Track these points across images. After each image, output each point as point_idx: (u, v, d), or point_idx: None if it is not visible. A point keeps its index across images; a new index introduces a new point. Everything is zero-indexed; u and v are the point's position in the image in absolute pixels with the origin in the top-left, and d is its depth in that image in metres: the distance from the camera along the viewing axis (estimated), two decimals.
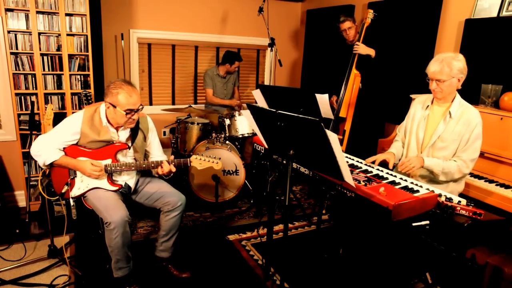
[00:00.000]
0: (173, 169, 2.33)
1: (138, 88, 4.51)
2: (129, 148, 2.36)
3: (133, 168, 2.34)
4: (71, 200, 2.31)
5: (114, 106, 2.17)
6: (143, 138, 2.45)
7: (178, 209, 2.40)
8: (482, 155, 2.50)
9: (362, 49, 3.32)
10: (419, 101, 2.43)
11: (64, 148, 2.28)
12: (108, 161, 2.30)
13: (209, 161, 2.36)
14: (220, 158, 2.39)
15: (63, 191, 2.27)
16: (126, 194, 2.44)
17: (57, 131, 2.27)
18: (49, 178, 2.39)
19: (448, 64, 2.08)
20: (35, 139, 3.24)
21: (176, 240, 2.51)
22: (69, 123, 2.28)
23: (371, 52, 3.34)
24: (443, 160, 2.18)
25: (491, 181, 2.56)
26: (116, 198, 2.29)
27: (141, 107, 2.24)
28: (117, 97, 2.15)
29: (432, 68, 2.14)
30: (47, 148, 2.22)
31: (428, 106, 2.31)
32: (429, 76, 2.17)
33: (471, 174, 2.63)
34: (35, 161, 3.37)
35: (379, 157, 2.32)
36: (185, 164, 2.35)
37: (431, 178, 2.25)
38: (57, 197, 2.36)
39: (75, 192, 2.30)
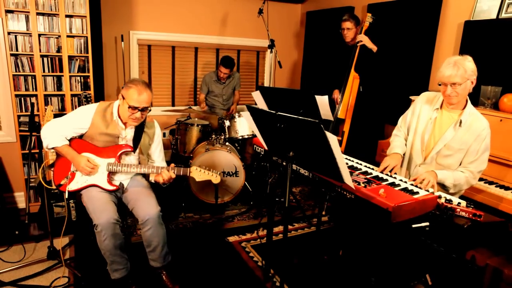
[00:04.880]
0: (173, 176, 2.33)
1: None
2: (134, 151, 2.39)
3: (133, 170, 2.36)
4: (66, 193, 2.31)
5: (123, 98, 2.25)
6: (148, 143, 2.49)
7: (148, 224, 2.29)
8: None
9: (366, 40, 3.33)
10: (426, 99, 2.32)
11: (72, 137, 2.33)
12: (111, 160, 2.33)
13: (208, 173, 2.38)
14: (219, 173, 2.41)
15: (61, 182, 2.30)
16: (118, 195, 2.45)
17: (70, 117, 2.33)
18: (51, 168, 2.43)
19: (462, 66, 2.00)
20: (35, 140, 3.26)
21: (165, 249, 2.42)
22: (82, 110, 2.34)
23: (374, 47, 3.35)
24: (452, 172, 2.13)
25: (491, 183, 2.56)
26: (107, 200, 2.29)
27: (148, 109, 2.28)
28: (128, 91, 2.23)
29: (448, 72, 2.02)
30: (55, 133, 2.27)
31: (436, 108, 2.23)
32: (444, 81, 2.05)
33: None
34: (35, 163, 3.40)
35: (391, 164, 2.21)
36: (184, 174, 2.37)
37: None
38: (55, 187, 2.37)
39: (72, 186, 2.32)
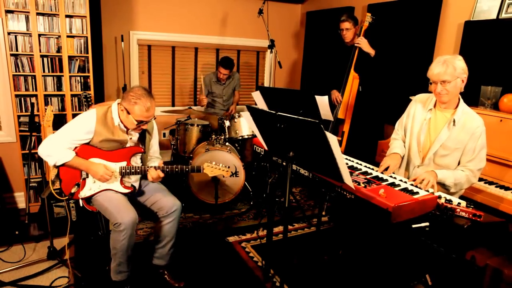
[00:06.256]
0: (161, 175, 2.32)
1: None
2: (144, 152, 2.39)
3: (145, 172, 2.34)
4: (80, 202, 2.30)
5: (128, 113, 2.19)
6: (149, 140, 2.48)
7: (173, 215, 2.36)
8: None
9: (364, 44, 3.33)
10: (419, 101, 2.35)
11: (76, 147, 2.25)
12: (123, 164, 2.31)
13: (219, 169, 2.41)
14: (229, 167, 2.44)
15: (72, 191, 2.26)
16: (132, 196, 2.44)
17: (69, 130, 2.22)
18: (59, 179, 2.37)
19: (452, 64, 2.03)
20: (35, 140, 3.26)
21: (173, 248, 2.46)
22: (82, 121, 2.23)
23: (371, 51, 3.35)
24: (452, 171, 2.14)
25: (491, 183, 2.56)
26: (126, 200, 2.30)
27: (153, 118, 2.29)
28: (134, 107, 2.16)
29: (436, 70, 2.06)
30: (58, 149, 2.18)
31: (430, 109, 2.25)
32: (433, 79, 2.09)
33: None
34: (35, 163, 3.40)
35: (391, 165, 2.23)
36: (197, 169, 2.40)
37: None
38: (67, 197, 2.32)
39: (85, 192, 2.29)
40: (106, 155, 2.29)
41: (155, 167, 2.31)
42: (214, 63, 4.95)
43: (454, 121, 2.13)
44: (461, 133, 2.12)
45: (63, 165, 2.21)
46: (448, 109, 2.19)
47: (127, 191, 2.34)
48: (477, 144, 2.10)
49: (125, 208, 2.20)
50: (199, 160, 3.50)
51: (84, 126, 2.22)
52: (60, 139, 2.20)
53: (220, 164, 2.43)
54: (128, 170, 2.30)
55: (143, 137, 2.42)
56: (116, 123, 2.28)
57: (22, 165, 3.37)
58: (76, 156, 2.23)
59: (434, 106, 2.25)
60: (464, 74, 2.06)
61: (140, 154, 2.43)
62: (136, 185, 2.45)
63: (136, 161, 2.42)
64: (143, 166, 2.35)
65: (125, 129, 2.32)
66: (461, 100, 2.17)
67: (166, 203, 2.37)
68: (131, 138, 2.35)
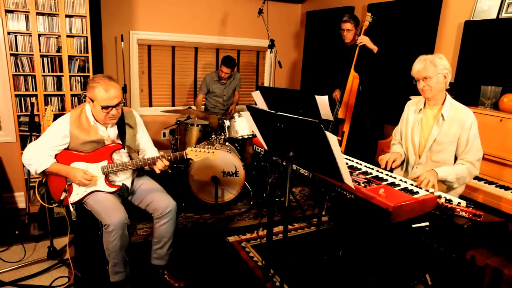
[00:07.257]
0: (166, 163, 2.28)
1: (138, 90, 4.54)
2: (123, 147, 2.33)
3: (129, 167, 2.30)
4: (70, 207, 2.28)
5: (92, 101, 2.14)
6: (133, 134, 2.41)
7: (168, 216, 2.34)
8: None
9: (366, 41, 3.32)
10: (411, 104, 2.43)
11: (56, 154, 2.24)
12: (104, 163, 2.28)
13: (204, 151, 2.31)
14: (216, 148, 2.34)
15: (61, 198, 2.25)
16: (124, 196, 2.42)
17: (46, 137, 2.21)
18: (46, 186, 2.36)
19: (432, 62, 2.11)
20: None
21: (171, 248, 2.44)
22: (57, 127, 2.22)
23: (374, 47, 3.35)
24: (452, 166, 2.16)
25: (490, 183, 2.56)
26: (115, 200, 2.28)
27: (121, 103, 2.20)
28: (94, 91, 2.11)
29: (417, 67, 2.17)
30: (38, 156, 2.17)
31: (420, 109, 2.32)
32: (416, 77, 2.19)
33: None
34: None
35: (390, 158, 2.28)
36: (181, 157, 2.31)
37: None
38: (56, 204, 2.32)
39: (73, 198, 2.27)
40: (86, 157, 2.26)
41: (158, 157, 2.27)
42: (214, 63, 4.95)
43: (442, 115, 2.19)
44: (452, 126, 2.17)
45: (44, 172, 2.21)
46: (436, 106, 2.26)
47: (113, 189, 2.31)
48: (470, 134, 2.15)
49: (114, 209, 2.18)
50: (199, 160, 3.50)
51: (59, 131, 2.21)
52: (39, 147, 2.19)
53: (205, 146, 2.33)
54: (110, 169, 2.27)
55: (123, 132, 2.33)
56: (92, 123, 2.24)
57: (22, 165, 3.36)
58: (56, 163, 2.21)
59: (424, 106, 2.32)
60: (446, 70, 2.14)
61: (126, 151, 2.36)
62: (127, 183, 2.41)
63: (120, 158, 2.37)
64: (127, 162, 2.30)
65: (103, 128, 2.28)
66: (448, 95, 2.24)
67: (160, 204, 2.34)
68: (108, 136, 2.30)
